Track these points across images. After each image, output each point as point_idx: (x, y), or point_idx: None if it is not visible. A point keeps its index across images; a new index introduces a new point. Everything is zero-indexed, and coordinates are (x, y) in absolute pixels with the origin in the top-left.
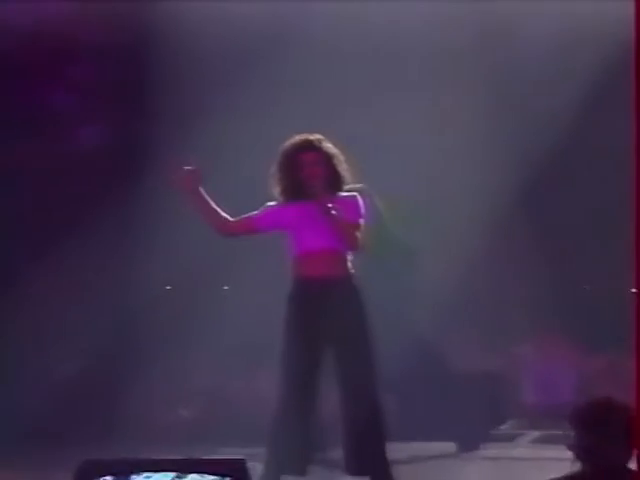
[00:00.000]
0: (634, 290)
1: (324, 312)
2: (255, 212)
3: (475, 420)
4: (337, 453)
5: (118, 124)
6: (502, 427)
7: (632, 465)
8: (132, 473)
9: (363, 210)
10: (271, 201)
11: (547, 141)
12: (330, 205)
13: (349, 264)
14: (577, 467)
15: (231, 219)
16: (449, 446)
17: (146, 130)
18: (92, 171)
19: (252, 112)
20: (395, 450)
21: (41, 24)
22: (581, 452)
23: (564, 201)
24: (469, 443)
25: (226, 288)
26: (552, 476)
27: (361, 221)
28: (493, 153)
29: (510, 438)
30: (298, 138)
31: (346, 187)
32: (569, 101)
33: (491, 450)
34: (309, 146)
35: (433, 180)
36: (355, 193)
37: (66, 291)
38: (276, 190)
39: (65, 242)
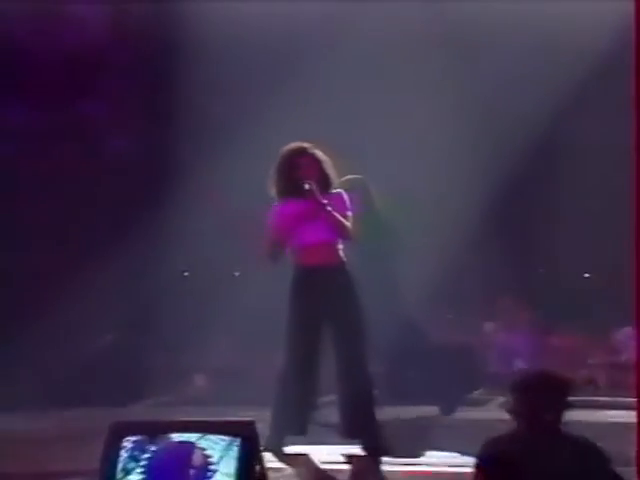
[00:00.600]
0: (587, 275)
1: (321, 295)
2: (269, 228)
3: (452, 387)
4: (333, 417)
5: (145, 132)
6: (475, 393)
7: (566, 427)
8: (157, 433)
9: (349, 204)
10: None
11: (534, 141)
12: (324, 202)
13: (341, 253)
14: (516, 427)
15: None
16: (431, 409)
17: (171, 137)
18: (121, 174)
19: (272, 120)
20: (384, 414)
21: (78, 44)
22: (518, 415)
23: (537, 199)
24: (448, 407)
25: (237, 274)
26: None
27: (349, 214)
28: (482, 152)
29: (482, 402)
30: (293, 144)
31: (345, 177)
32: (561, 101)
33: (466, 412)
34: (304, 151)
35: (425, 175)
36: (341, 190)
37: (104, 275)
38: (273, 190)
39: (101, 236)
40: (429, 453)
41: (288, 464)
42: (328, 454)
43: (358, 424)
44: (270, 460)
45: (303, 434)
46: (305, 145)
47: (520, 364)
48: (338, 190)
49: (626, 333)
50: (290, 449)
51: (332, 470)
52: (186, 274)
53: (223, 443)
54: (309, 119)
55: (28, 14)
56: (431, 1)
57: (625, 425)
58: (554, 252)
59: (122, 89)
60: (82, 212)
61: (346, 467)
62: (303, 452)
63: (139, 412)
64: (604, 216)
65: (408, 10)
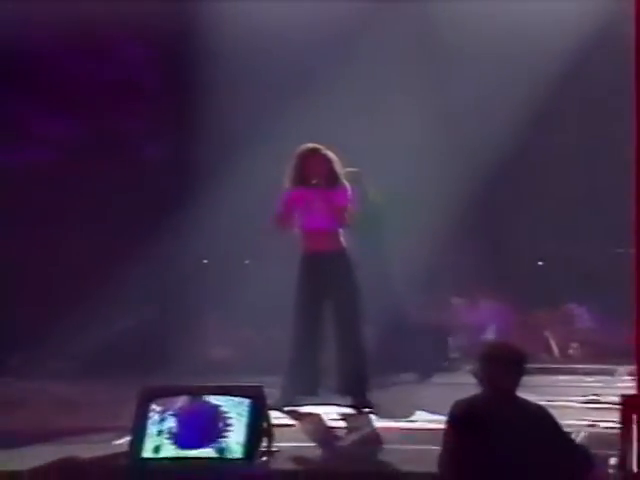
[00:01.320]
0: (540, 263)
1: (324, 276)
2: (277, 207)
3: (429, 356)
4: (332, 379)
5: (174, 143)
6: (447, 361)
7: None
8: (182, 396)
9: (350, 197)
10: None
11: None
12: (326, 193)
13: (342, 240)
14: (480, 390)
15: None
16: (412, 376)
17: (196, 147)
18: (153, 179)
19: (286, 125)
20: (374, 378)
21: (111, 69)
22: (481, 380)
23: (510, 199)
24: (425, 373)
25: (247, 262)
26: None
27: (349, 206)
28: (472, 154)
29: (453, 369)
30: (306, 146)
31: (344, 170)
32: (543, 104)
33: (440, 378)
34: (315, 151)
35: (416, 172)
36: (346, 183)
37: (137, 263)
38: (287, 183)
39: (136, 231)
40: (410, 412)
41: (295, 420)
42: (326, 413)
43: (352, 385)
44: (278, 417)
45: (311, 395)
46: (317, 146)
47: (488, 337)
48: (342, 182)
49: (574, 307)
50: (296, 408)
51: (330, 426)
52: (205, 262)
53: (237, 403)
54: (316, 121)
55: (75, 43)
56: (431, 2)
57: (573, 387)
58: (520, 243)
59: (154, 104)
60: (119, 210)
61: (341, 424)
62: (308, 411)
63: (164, 380)
64: (562, 215)
65: (406, 10)
